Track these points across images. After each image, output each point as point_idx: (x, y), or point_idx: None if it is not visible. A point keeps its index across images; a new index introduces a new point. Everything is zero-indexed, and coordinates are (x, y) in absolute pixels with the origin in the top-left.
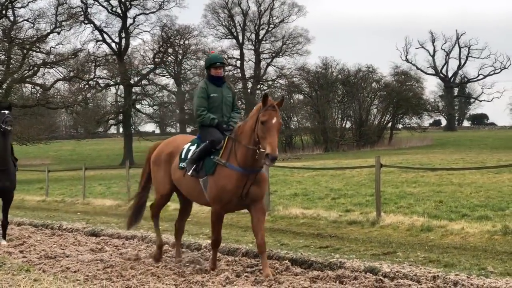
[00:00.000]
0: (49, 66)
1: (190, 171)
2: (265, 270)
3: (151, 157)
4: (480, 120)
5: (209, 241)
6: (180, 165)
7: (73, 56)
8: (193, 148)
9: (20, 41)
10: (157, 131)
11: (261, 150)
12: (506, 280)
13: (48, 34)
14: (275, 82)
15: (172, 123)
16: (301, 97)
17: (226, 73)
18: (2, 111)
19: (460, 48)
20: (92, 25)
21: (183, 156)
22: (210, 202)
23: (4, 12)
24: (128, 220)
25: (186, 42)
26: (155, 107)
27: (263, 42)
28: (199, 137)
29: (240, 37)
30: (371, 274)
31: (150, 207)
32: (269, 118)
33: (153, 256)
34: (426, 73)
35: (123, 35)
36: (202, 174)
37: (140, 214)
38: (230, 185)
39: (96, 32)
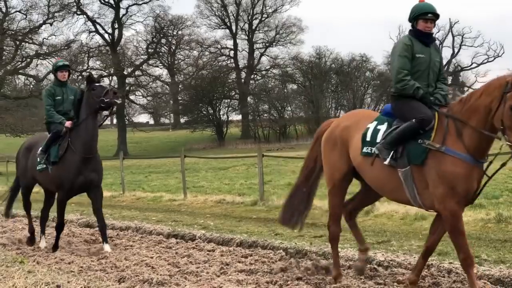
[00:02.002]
0: (42, 58)
1: (388, 159)
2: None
3: (324, 135)
4: None
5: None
6: (364, 149)
7: (66, 47)
8: (382, 128)
9: (13, 32)
10: (151, 122)
11: (508, 143)
12: (499, 268)
13: (41, 25)
14: (269, 72)
15: (166, 113)
16: (294, 86)
17: (220, 63)
18: (99, 84)
19: (453, 36)
20: (84, 16)
21: (368, 138)
22: (438, 202)
23: None
24: (292, 221)
25: (179, 32)
26: (148, 98)
27: (256, 32)
28: (388, 113)
29: (234, 27)
30: (369, 264)
31: (331, 209)
32: None
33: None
34: None
35: (116, 26)
36: (402, 163)
37: (306, 210)
38: (463, 179)
39: (89, 23)
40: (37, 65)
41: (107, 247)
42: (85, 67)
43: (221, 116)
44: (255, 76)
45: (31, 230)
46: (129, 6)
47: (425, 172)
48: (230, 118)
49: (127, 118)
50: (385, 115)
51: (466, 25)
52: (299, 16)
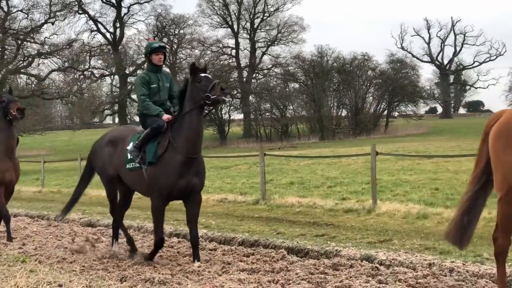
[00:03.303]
0: (43, 57)
1: None
2: None
3: (494, 129)
4: (475, 107)
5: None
6: None
7: (67, 47)
8: None
9: (14, 31)
10: None
11: None
12: None
13: (42, 24)
14: (271, 70)
15: None
16: (296, 85)
17: (222, 62)
18: (205, 75)
19: (455, 35)
20: (86, 15)
21: None
22: None
23: None
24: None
25: (181, 31)
26: None
27: (258, 30)
28: None
29: (235, 26)
30: (367, 262)
31: None
32: None
33: None
34: (421, 61)
35: (118, 25)
36: None
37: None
38: None
39: (91, 22)
40: (38, 64)
41: (197, 264)
42: (86, 66)
43: (223, 115)
44: (257, 75)
45: (129, 240)
46: (131, 5)
47: None
48: (232, 117)
49: (128, 117)
50: None
51: (468, 23)
52: (301, 15)
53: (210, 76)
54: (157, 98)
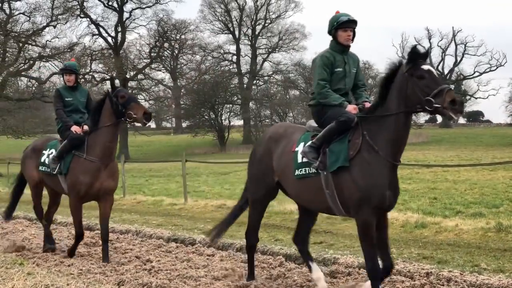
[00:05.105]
0: (44, 60)
1: None
2: None
3: None
4: (475, 117)
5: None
6: None
7: (69, 50)
8: None
9: (16, 34)
10: (153, 125)
11: None
12: (499, 277)
13: (44, 27)
14: (271, 77)
15: (167, 118)
16: (297, 92)
17: (223, 68)
18: (428, 68)
19: (456, 45)
20: (88, 19)
21: None
22: None
23: (0, 5)
24: None
25: (183, 36)
26: (151, 102)
27: (259, 37)
28: None
29: (237, 32)
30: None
31: None
32: None
33: None
34: None
35: (119, 29)
36: None
37: None
38: None
39: (92, 26)
40: (39, 67)
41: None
42: (87, 70)
43: (223, 121)
44: (258, 81)
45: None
46: (133, 9)
47: None
48: (232, 123)
49: None
50: None
51: (469, 33)
52: (302, 22)
53: (435, 72)
54: (341, 86)
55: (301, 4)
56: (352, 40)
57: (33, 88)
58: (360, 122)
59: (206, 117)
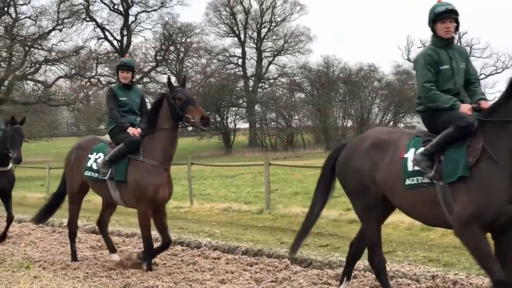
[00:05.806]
0: (50, 64)
1: None
2: None
3: None
4: None
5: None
6: None
7: (74, 54)
8: None
9: (22, 38)
10: None
11: None
12: None
13: (50, 31)
14: (277, 80)
15: None
16: (302, 95)
17: (228, 71)
18: None
19: None
20: (94, 22)
21: None
22: None
23: (6, 9)
24: None
25: (188, 40)
26: None
27: (265, 40)
28: None
29: (242, 35)
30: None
31: None
32: None
33: None
34: None
35: (125, 32)
36: None
37: None
38: None
39: (98, 30)
40: (45, 71)
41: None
42: (93, 74)
43: (229, 124)
44: (263, 84)
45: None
46: (138, 13)
47: None
48: (237, 126)
49: None
50: None
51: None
52: (308, 25)
53: None
54: (450, 86)
55: (307, 7)
56: (455, 32)
57: (39, 92)
58: (480, 126)
59: (212, 120)
